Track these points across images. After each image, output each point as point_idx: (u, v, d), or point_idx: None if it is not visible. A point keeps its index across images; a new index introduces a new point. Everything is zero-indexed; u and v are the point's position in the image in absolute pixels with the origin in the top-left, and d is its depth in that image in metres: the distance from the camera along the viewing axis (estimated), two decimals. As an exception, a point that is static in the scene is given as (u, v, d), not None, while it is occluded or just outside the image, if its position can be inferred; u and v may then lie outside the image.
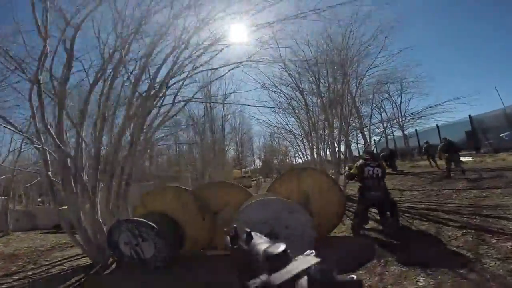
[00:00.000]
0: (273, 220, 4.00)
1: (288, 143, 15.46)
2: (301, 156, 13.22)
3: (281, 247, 0.61)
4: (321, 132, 10.73)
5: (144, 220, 4.44)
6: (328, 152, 10.13)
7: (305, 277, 0.53)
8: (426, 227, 5.21)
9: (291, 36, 9.81)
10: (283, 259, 0.59)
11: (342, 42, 10.45)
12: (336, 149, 9.67)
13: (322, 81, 10.82)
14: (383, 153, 13.95)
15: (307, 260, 0.57)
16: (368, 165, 5.26)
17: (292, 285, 0.52)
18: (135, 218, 4.62)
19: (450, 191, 7.62)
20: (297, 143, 12.99)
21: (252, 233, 0.76)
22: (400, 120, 21.50)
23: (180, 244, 5.05)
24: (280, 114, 12.77)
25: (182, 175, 19.68)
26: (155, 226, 4.38)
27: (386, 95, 20.44)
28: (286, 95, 11.27)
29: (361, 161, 5.42)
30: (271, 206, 4.03)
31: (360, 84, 12.74)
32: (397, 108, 21.14)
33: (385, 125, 19.73)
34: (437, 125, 18.03)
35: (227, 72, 7.47)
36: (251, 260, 0.67)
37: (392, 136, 22.70)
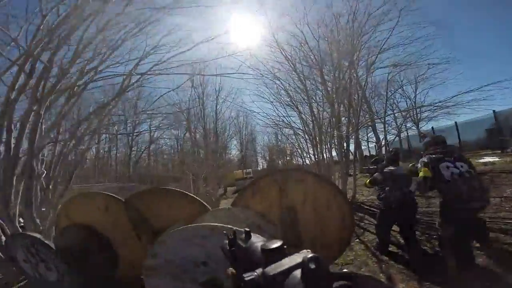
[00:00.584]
0: (215, 261, 2.28)
1: (292, 141, 13.62)
2: (303, 156, 11.37)
3: (277, 243, 0.68)
4: (325, 126, 8.93)
5: (39, 237, 3.49)
6: (334, 152, 8.33)
7: (299, 270, 0.58)
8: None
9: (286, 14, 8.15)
10: (279, 254, 0.65)
11: (348, 19, 8.58)
12: (345, 145, 7.83)
13: (326, 66, 9.05)
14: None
15: (302, 255, 0.62)
16: (443, 159, 3.33)
17: (286, 276, 0.58)
18: (30, 234, 3.69)
19: (499, 199, 5.69)
20: (299, 140, 11.16)
21: (251, 233, 0.81)
22: (415, 115, 19.32)
23: (110, 268, 3.89)
24: (279, 108, 11.00)
25: (183, 177, 18.28)
26: (52, 245, 3.44)
27: (400, 89, 18.10)
28: (283, 82, 9.47)
29: (426, 157, 3.46)
30: (212, 237, 2.29)
31: (372, 69, 10.72)
32: (412, 103, 18.75)
33: (399, 122, 17.52)
34: (456, 123, 16.61)
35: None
36: (250, 257, 0.73)
37: (406, 134, 20.71)
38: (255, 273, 0.59)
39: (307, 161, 12.59)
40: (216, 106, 14.57)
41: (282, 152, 24.07)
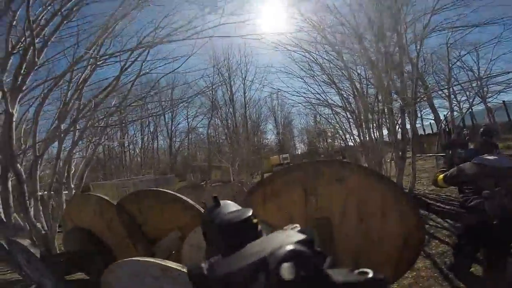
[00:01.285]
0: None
1: (332, 121, 11.84)
2: (345, 137, 9.75)
3: (247, 212, 0.53)
4: (371, 101, 7.26)
5: (25, 245, 3.25)
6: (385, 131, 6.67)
7: (289, 264, 0.34)
8: None
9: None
10: (247, 232, 0.48)
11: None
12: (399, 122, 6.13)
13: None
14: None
15: (288, 235, 0.42)
16: None
17: (252, 278, 0.35)
18: (18, 240, 3.40)
19: None
20: (340, 121, 9.55)
21: (224, 202, 0.64)
22: (481, 87, 15.61)
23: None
24: (313, 86, 9.43)
25: (222, 165, 17.91)
26: (37, 253, 3.16)
27: (465, 55, 14.34)
28: (314, 55, 7.90)
29: None
30: (165, 279, 1.35)
31: (425, 33, 8.35)
32: (475, 75, 14.85)
33: (462, 97, 14.17)
34: None
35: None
36: (210, 233, 0.56)
37: (470, 111, 17.17)
38: (205, 265, 0.43)
39: (351, 143, 10.95)
40: (244, 88, 13.40)
41: (322, 134, 22.14)
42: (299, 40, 8.23)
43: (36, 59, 3.55)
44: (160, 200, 2.70)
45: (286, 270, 0.34)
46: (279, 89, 9.86)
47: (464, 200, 2.71)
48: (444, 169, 3.08)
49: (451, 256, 3.22)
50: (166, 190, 2.70)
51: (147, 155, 28.60)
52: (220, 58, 11.18)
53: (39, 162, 4.26)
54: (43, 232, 4.26)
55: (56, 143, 4.99)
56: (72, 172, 5.92)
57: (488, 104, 16.04)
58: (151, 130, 28.55)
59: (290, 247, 0.38)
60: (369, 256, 2.32)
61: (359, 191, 2.10)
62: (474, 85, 8.95)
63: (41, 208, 4.55)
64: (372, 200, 2.11)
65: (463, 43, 10.40)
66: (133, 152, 28.38)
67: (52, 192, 4.56)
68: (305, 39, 8.19)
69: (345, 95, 8.43)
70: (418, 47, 7.76)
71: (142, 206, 2.96)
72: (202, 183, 16.86)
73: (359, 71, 8.03)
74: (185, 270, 1.43)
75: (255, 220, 0.52)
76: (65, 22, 3.73)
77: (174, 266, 1.46)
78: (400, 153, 6.32)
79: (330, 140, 23.67)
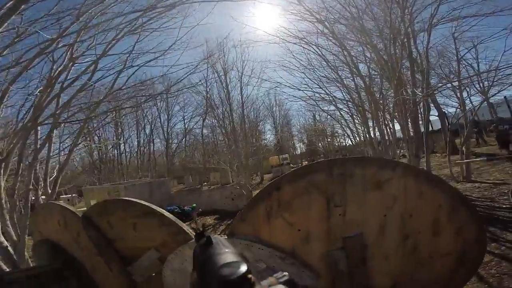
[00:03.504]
0: None
1: (335, 117, 11.21)
2: (350, 134, 9.16)
3: (242, 268, 0.49)
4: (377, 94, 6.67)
5: None
6: (395, 124, 6.06)
7: None
8: None
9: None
10: None
11: None
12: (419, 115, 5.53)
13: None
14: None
15: None
16: None
17: None
18: None
19: None
20: (343, 117, 8.95)
21: (217, 239, 0.63)
22: (481, 83, 15.04)
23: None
24: (314, 81, 8.83)
25: (220, 167, 17.25)
26: None
27: (472, 49, 13.51)
28: (315, 48, 7.30)
29: None
30: None
31: (434, 22, 7.75)
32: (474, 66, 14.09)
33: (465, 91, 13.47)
34: None
35: None
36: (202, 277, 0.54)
37: (471, 106, 16.73)
38: None
39: (355, 141, 10.39)
40: (241, 86, 12.75)
41: (321, 133, 21.54)
42: (300, 31, 7.66)
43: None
44: (131, 213, 2.07)
45: None
46: (278, 83, 9.25)
47: None
48: None
49: None
50: (138, 201, 2.07)
51: (144, 158, 27.93)
52: (215, 55, 10.59)
53: (2, 166, 3.62)
54: (5, 244, 3.62)
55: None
56: (51, 177, 5.30)
57: (490, 100, 15.58)
58: (147, 132, 27.90)
59: None
60: (412, 277, 1.73)
61: (404, 200, 1.49)
62: (487, 76, 8.34)
63: (8, 217, 3.93)
64: (422, 212, 1.50)
65: (468, 36, 9.83)
66: (129, 155, 27.67)
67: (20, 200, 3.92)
68: (306, 30, 7.62)
69: (349, 89, 7.87)
70: (427, 38, 7.21)
71: (112, 219, 2.34)
72: (199, 186, 16.28)
73: (364, 65, 7.49)
74: None
75: (250, 276, 0.47)
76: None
77: None
78: (414, 150, 5.74)
79: (329, 139, 23.11)
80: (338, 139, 22.66)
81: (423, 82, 6.27)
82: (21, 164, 3.89)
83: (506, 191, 6.08)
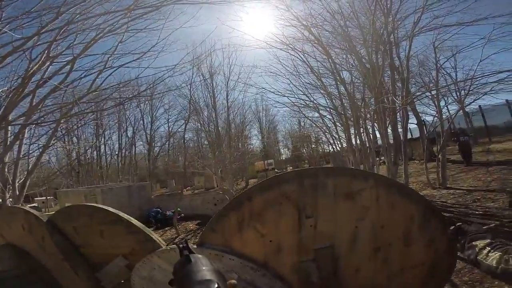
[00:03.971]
0: None
1: (319, 124, 11.31)
2: (332, 141, 9.27)
3: (212, 286, 0.55)
4: (359, 102, 6.80)
5: None
6: (376, 131, 6.19)
7: None
8: None
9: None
10: None
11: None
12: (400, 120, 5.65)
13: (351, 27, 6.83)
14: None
15: None
16: None
17: None
18: None
19: None
20: (325, 124, 9.06)
21: (196, 257, 0.68)
22: (458, 92, 15.79)
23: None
24: (299, 87, 8.90)
25: (204, 172, 16.93)
26: None
27: (452, 57, 14.03)
28: (301, 54, 7.38)
29: None
30: None
31: (415, 31, 8.04)
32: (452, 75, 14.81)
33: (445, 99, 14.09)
34: (507, 100, 14.10)
35: None
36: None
37: (448, 115, 17.56)
38: None
39: (337, 148, 10.53)
40: (227, 91, 12.67)
41: (306, 139, 21.74)
42: (287, 38, 7.71)
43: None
44: (97, 219, 1.96)
45: None
46: (263, 88, 9.25)
47: None
48: None
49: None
50: (104, 207, 1.97)
51: (125, 161, 27.09)
52: (201, 56, 10.45)
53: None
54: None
55: None
56: (19, 180, 4.99)
57: (465, 109, 16.33)
58: (129, 135, 27.17)
59: None
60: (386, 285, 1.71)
61: (377, 211, 1.47)
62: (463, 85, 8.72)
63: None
64: (394, 223, 1.49)
65: (448, 45, 10.29)
66: (109, 157, 26.77)
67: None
68: (293, 36, 7.69)
69: (332, 97, 7.99)
70: (408, 46, 7.45)
71: (78, 225, 2.21)
72: (180, 191, 15.94)
73: (347, 73, 7.63)
74: None
75: None
76: None
77: None
78: (393, 157, 5.86)
79: (314, 146, 23.37)
80: (322, 146, 22.98)
81: (402, 91, 6.45)
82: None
83: (478, 197, 6.32)
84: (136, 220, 1.89)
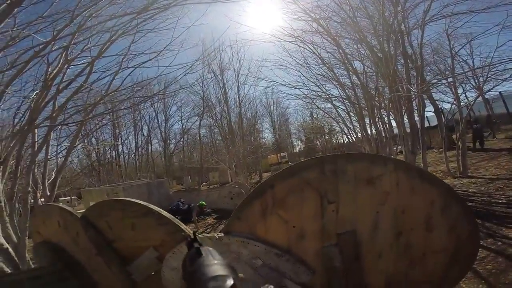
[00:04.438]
0: None
1: (332, 115, 11.19)
2: (347, 132, 9.18)
3: (228, 282, 0.51)
4: (373, 91, 6.69)
5: None
6: (391, 120, 6.08)
7: None
8: None
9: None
10: None
11: None
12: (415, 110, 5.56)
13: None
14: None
15: None
16: None
17: None
18: None
19: None
20: (339, 114, 8.97)
21: (206, 250, 0.63)
22: (476, 79, 15.09)
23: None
24: (310, 79, 8.83)
25: (219, 167, 17.22)
26: None
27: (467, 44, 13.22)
28: (311, 46, 7.31)
29: None
30: None
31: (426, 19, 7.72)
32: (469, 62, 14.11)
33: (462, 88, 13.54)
34: None
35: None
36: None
37: (466, 102, 16.95)
38: None
39: (352, 138, 10.41)
40: (238, 86, 12.75)
41: (319, 130, 21.54)
42: (295, 30, 7.66)
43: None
44: (129, 213, 2.09)
45: None
46: (274, 81, 9.25)
47: None
48: None
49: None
50: (135, 201, 2.09)
51: (142, 159, 27.88)
52: (211, 53, 10.59)
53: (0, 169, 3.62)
54: (5, 247, 3.66)
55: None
56: (49, 180, 5.30)
57: (485, 95, 15.70)
58: (145, 133, 27.84)
59: None
60: (406, 276, 1.75)
61: (397, 196, 1.51)
62: (482, 72, 8.39)
63: (8, 220, 3.94)
64: (415, 208, 1.52)
65: (461, 33, 9.93)
66: (127, 156, 27.62)
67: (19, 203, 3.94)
68: (301, 29, 7.63)
69: (344, 87, 7.89)
70: (420, 34, 7.23)
71: (111, 220, 2.35)
72: (197, 186, 16.25)
73: (358, 63, 7.51)
74: None
75: None
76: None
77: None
78: (410, 146, 5.77)
79: (327, 137, 23.12)
80: (336, 137, 22.73)
81: (417, 79, 6.30)
82: (19, 167, 3.88)
83: (501, 186, 6.13)
84: (165, 212, 2.01)
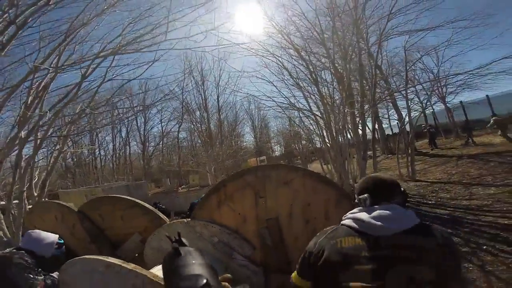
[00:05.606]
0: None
1: (306, 124, 12.23)
2: (314, 140, 10.13)
3: (200, 281, 0.52)
4: (337, 105, 7.65)
5: None
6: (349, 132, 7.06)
7: None
8: None
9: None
10: None
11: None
12: (361, 125, 6.54)
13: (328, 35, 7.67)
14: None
15: None
16: None
17: None
18: None
19: None
20: (309, 123, 9.92)
21: (186, 250, 0.64)
22: (441, 88, 16.95)
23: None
24: (284, 90, 9.73)
25: (199, 170, 17.64)
26: None
27: (420, 59, 14.79)
28: (282, 60, 8.19)
29: None
30: (109, 275, 1.58)
31: (383, 36, 8.92)
32: (433, 75, 16.04)
33: (422, 97, 15.28)
34: (487, 96, 15.72)
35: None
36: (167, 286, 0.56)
37: (432, 110, 18.74)
38: None
39: (321, 145, 11.38)
40: (218, 93, 13.45)
41: (297, 136, 22.62)
42: (269, 45, 8.50)
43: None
44: (119, 206, 2.76)
45: None
46: (250, 94, 10.04)
47: None
48: None
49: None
50: (123, 196, 2.76)
51: (119, 161, 27.55)
52: (192, 62, 11.18)
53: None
54: (4, 239, 4.12)
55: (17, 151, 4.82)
56: (35, 180, 5.70)
57: (447, 104, 17.45)
58: (123, 135, 27.65)
59: None
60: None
61: (304, 194, 2.31)
62: (427, 86, 9.74)
63: (2, 217, 4.38)
64: (317, 203, 2.33)
65: (420, 46, 11.47)
66: (104, 158, 27.22)
67: (14, 201, 4.40)
68: (273, 44, 8.48)
69: (313, 99, 8.82)
70: (376, 51, 8.35)
71: (103, 212, 2.99)
72: (175, 189, 16.68)
73: (324, 76, 8.47)
74: (125, 265, 1.57)
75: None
76: (19, 32, 3.64)
77: (116, 262, 1.58)
78: (362, 153, 6.75)
79: (304, 142, 24.26)
80: (313, 142, 23.85)
81: (370, 94, 7.33)
82: (17, 172, 4.35)
83: (437, 189, 7.23)
84: (147, 204, 2.70)
